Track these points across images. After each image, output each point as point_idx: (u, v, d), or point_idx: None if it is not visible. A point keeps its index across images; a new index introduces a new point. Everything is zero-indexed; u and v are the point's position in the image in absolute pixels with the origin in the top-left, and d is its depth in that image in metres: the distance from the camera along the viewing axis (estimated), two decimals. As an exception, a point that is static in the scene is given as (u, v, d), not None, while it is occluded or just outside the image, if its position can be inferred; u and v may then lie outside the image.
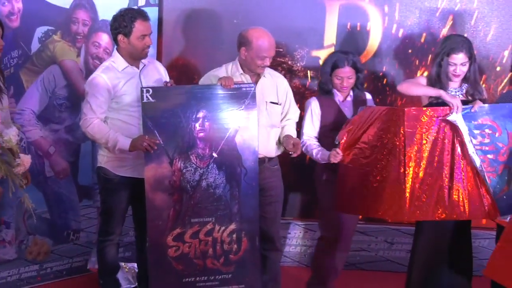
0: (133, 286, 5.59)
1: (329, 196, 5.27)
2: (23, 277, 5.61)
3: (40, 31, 5.53)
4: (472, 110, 4.85)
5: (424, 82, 5.13)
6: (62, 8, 5.62)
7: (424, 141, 4.87)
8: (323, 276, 5.56)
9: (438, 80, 5.06)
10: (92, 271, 5.71)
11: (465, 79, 5.08)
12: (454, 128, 4.84)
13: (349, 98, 5.35)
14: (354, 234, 6.08)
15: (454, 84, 5.09)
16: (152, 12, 6.08)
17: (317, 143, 5.24)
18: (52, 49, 5.61)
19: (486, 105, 4.92)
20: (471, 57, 5.02)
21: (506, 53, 6.26)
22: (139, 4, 6.02)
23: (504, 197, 4.88)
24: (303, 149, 5.22)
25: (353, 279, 6.06)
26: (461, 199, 4.88)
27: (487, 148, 4.88)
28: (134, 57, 5.04)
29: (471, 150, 4.84)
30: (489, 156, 4.88)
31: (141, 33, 4.95)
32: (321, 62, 5.82)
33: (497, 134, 4.87)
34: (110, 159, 5.07)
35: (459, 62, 4.98)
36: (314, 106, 5.27)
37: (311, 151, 5.21)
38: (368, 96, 5.54)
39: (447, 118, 4.80)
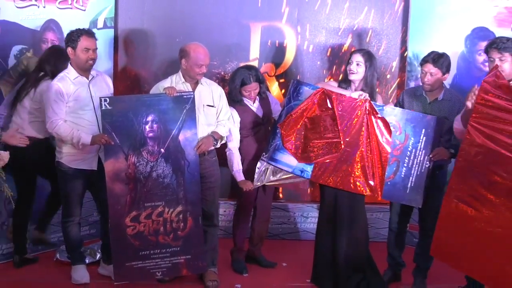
0: (96, 259, 5.54)
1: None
2: (5, 252, 5.52)
3: (15, 49, 5.46)
4: (385, 108, 4.92)
5: (336, 85, 5.13)
6: (34, 30, 5.56)
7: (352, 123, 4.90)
8: (241, 244, 5.62)
9: (344, 77, 5.13)
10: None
11: (364, 83, 5.06)
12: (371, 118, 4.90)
13: (257, 101, 5.43)
14: (277, 211, 6.21)
15: (353, 86, 5.05)
16: (109, 32, 6.11)
17: (239, 155, 5.36)
18: (26, 64, 5.53)
19: (396, 108, 4.99)
20: (367, 61, 5.00)
21: (394, 63, 6.42)
22: (98, 26, 6.01)
23: (388, 183, 4.97)
24: (227, 154, 5.37)
25: (277, 247, 6.11)
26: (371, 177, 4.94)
27: None
28: (81, 68, 4.99)
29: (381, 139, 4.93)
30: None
31: (85, 46, 4.92)
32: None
33: (398, 133, 4.93)
34: (64, 155, 5.03)
35: (354, 60, 5.00)
36: (235, 116, 5.33)
37: (235, 165, 5.35)
38: (269, 94, 5.63)
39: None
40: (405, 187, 4.98)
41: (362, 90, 5.05)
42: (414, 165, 4.94)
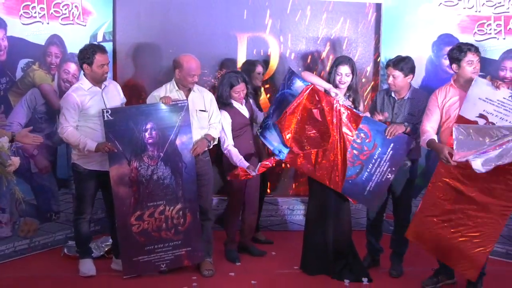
0: (100, 254, 5.56)
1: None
2: (17, 249, 5.51)
3: (22, 62, 5.45)
4: (361, 115, 4.97)
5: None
6: (39, 44, 5.55)
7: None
8: (233, 235, 5.64)
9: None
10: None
11: (349, 88, 5.14)
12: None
13: (243, 104, 5.44)
14: (266, 205, 6.23)
15: (341, 92, 5.12)
16: (108, 46, 6.05)
17: (236, 150, 5.29)
18: (32, 76, 5.53)
19: (371, 118, 5.01)
20: (353, 71, 5.08)
21: (368, 68, 6.47)
22: (98, 40, 6.01)
23: (350, 181, 5.02)
24: (225, 151, 5.30)
25: (266, 237, 6.12)
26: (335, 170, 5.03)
27: (355, 146, 4.98)
28: (96, 81, 5.01)
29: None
30: (355, 151, 4.99)
31: (100, 63, 4.94)
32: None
33: (367, 140, 4.97)
34: (80, 157, 5.04)
35: (344, 72, 5.05)
36: (227, 117, 5.32)
37: (235, 155, 5.24)
38: (251, 101, 5.65)
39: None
40: (364, 189, 5.04)
41: (348, 94, 5.15)
42: (376, 173, 4.99)
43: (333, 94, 4.95)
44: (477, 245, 4.57)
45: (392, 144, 4.94)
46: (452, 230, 4.66)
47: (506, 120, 4.46)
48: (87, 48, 4.98)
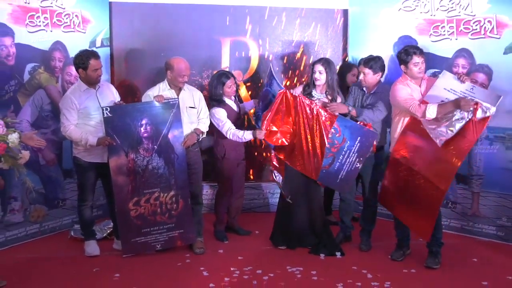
0: (103, 236, 5.60)
1: (224, 166, 5.45)
2: (29, 233, 5.54)
3: (29, 66, 5.47)
4: (336, 116, 5.03)
5: (301, 88, 5.38)
6: (44, 50, 5.57)
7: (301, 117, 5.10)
8: (222, 217, 5.69)
9: (309, 83, 5.30)
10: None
11: (327, 86, 5.21)
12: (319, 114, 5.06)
13: (233, 98, 5.46)
14: (250, 189, 6.29)
15: (318, 90, 5.23)
16: (106, 50, 6.12)
17: (238, 129, 5.28)
18: (39, 79, 5.55)
19: (341, 116, 5.07)
20: (327, 69, 5.15)
21: (338, 67, 6.31)
22: (97, 45, 6.03)
23: (324, 171, 5.11)
24: (230, 136, 5.26)
25: (251, 218, 6.21)
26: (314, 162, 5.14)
27: (328, 140, 5.05)
28: (91, 83, 5.04)
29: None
30: (327, 145, 5.05)
31: (94, 68, 4.97)
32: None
33: (337, 135, 5.05)
34: (80, 151, 5.09)
35: (317, 70, 5.16)
36: (223, 113, 5.31)
37: (237, 135, 5.22)
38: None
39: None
40: (336, 177, 5.12)
41: (325, 92, 5.23)
42: (346, 163, 5.06)
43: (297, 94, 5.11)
44: (429, 205, 4.70)
45: (359, 138, 5.01)
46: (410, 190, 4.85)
47: None
48: (82, 54, 5.00)
